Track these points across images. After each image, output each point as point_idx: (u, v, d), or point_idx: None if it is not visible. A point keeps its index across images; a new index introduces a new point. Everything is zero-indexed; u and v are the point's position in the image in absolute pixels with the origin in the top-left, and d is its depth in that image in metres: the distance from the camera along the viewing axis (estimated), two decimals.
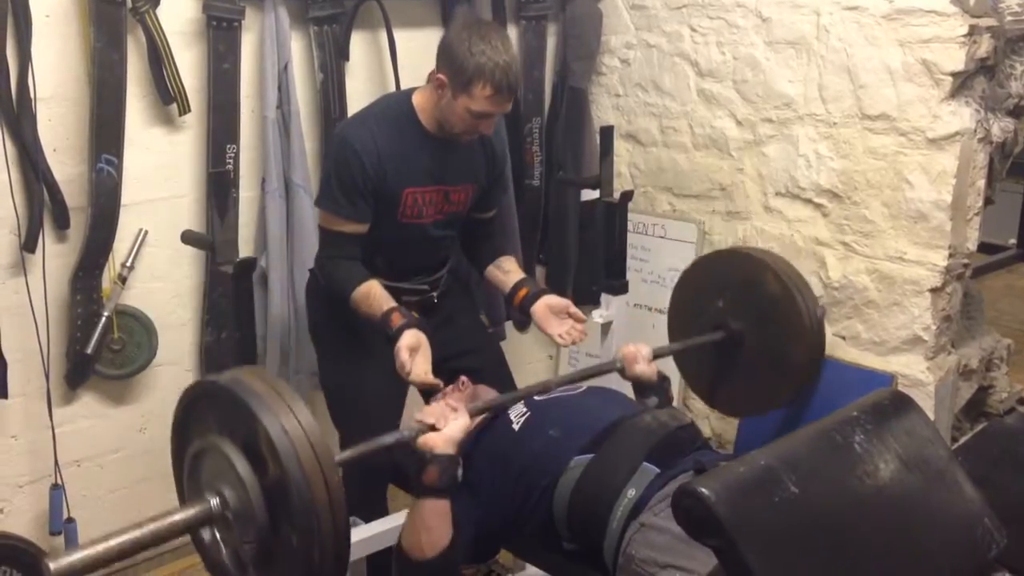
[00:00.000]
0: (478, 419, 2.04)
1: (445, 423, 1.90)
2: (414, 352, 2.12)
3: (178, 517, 1.57)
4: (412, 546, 1.87)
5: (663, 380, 2.29)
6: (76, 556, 1.45)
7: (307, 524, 1.48)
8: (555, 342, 2.40)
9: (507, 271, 2.48)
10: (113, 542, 1.49)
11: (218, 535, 1.61)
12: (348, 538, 1.56)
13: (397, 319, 2.16)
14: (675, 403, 3.28)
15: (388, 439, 1.88)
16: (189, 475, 1.65)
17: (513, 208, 3.21)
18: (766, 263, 2.54)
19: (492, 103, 2.17)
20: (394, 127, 2.27)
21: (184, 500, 1.66)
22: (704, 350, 2.61)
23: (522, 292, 2.42)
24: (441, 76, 2.18)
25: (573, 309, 2.37)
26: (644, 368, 2.25)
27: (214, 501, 1.57)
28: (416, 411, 1.99)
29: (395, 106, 2.32)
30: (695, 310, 2.64)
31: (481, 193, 2.44)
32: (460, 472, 1.87)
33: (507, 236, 3.09)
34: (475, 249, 2.55)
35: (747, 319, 2.53)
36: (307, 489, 1.48)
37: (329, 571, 1.52)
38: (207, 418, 1.62)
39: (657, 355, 2.33)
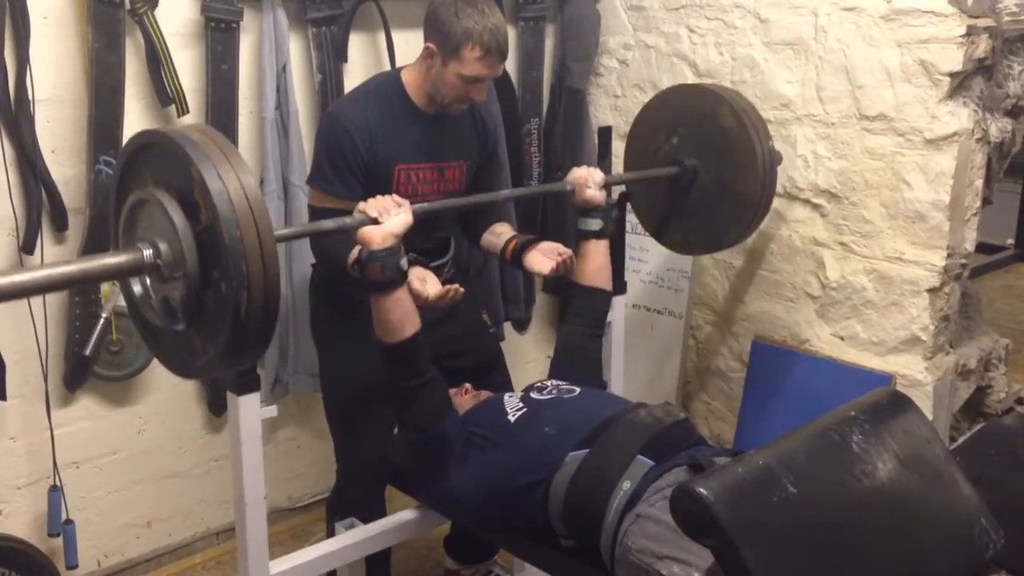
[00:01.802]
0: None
1: (387, 217, 1.95)
2: (423, 282, 2.12)
3: (110, 260, 1.58)
4: (378, 335, 1.99)
5: (611, 206, 2.36)
6: (5, 279, 1.46)
7: (236, 269, 1.49)
8: (544, 277, 2.37)
9: (499, 234, 2.47)
10: (41, 272, 1.50)
11: (149, 285, 1.63)
12: (277, 288, 1.57)
13: None
14: (672, 404, 3.29)
15: (328, 224, 1.97)
16: (125, 229, 1.66)
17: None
18: (722, 96, 2.54)
19: (483, 65, 2.18)
20: (384, 104, 2.27)
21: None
22: (657, 186, 2.64)
23: (512, 244, 2.40)
24: (430, 45, 2.20)
25: (563, 248, 2.35)
26: (595, 193, 2.33)
27: (147, 251, 1.58)
28: (359, 204, 2.02)
29: (384, 84, 2.33)
30: (652, 145, 2.66)
31: (475, 170, 2.44)
32: (404, 262, 1.95)
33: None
34: (471, 226, 2.53)
35: (701, 155, 2.56)
36: (237, 232, 1.49)
37: (257, 319, 1.54)
38: (144, 170, 1.63)
39: (609, 183, 2.39)
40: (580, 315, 2.37)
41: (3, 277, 1.45)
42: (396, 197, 2.01)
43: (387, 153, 2.26)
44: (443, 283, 2.43)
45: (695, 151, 2.56)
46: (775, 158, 2.52)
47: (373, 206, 1.97)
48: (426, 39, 2.22)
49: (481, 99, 2.30)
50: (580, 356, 2.33)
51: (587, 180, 2.32)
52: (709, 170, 2.55)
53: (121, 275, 1.63)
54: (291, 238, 1.87)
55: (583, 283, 2.37)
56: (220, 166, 1.51)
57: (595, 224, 2.34)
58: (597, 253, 2.37)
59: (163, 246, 1.57)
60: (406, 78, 2.30)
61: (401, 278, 1.96)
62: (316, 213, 2.32)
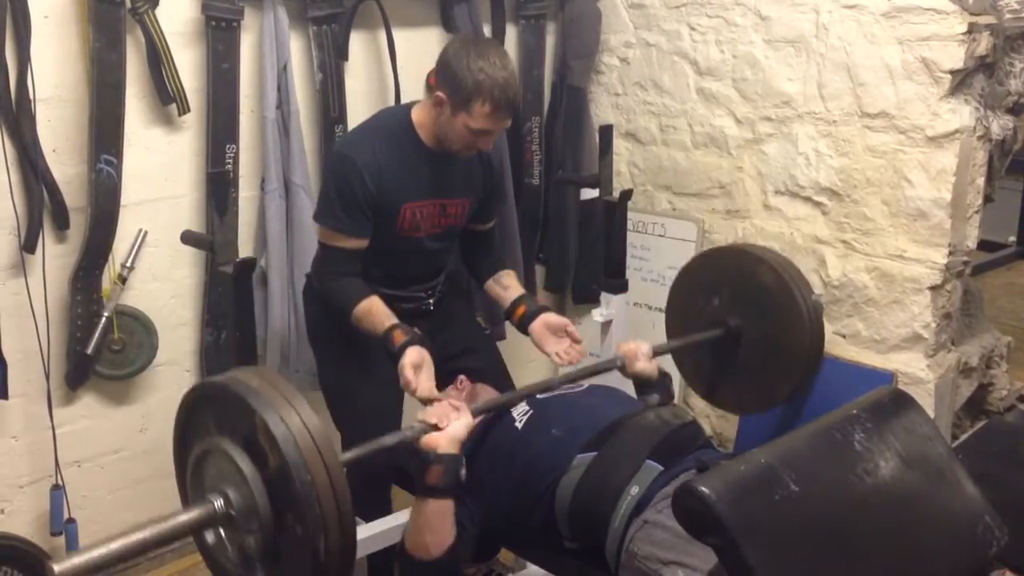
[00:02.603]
0: (480, 418, 2.03)
1: (448, 423, 1.89)
2: (418, 369, 2.11)
3: (182, 518, 1.57)
4: (417, 547, 1.86)
5: (664, 376, 2.30)
6: (80, 559, 1.45)
7: (311, 512, 1.47)
8: (552, 361, 2.38)
9: (506, 287, 2.47)
10: (116, 545, 1.48)
11: (224, 535, 1.61)
12: (354, 528, 1.55)
13: (399, 337, 2.16)
14: (676, 401, 3.29)
15: (390, 440, 1.88)
16: (192, 479, 1.65)
17: (513, 212, 3.21)
18: (759, 256, 2.55)
19: (491, 120, 2.16)
20: (393, 143, 2.26)
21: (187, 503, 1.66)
22: (703, 347, 2.62)
23: (520, 310, 2.41)
24: (440, 94, 2.18)
25: (571, 328, 2.36)
26: (645, 365, 2.27)
27: (218, 502, 1.57)
28: (418, 413, 1.98)
29: (393, 121, 2.32)
30: (692, 309, 2.65)
31: (478, 205, 2.43)
32: (464, 472, 1.87)
33: (506, 241, 3.08)
34: (475, 263, 2.55)
35: (744, 314, 2.54)
36: (308, 476, 1.47)
37: (336, 563, 1.51)
38: (207, 420, 1.62)
39: (657, 352, 2.34)
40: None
41: (84, 555, 1.44)
42: (453, 401, 1.99)
43: (395, 192, 2.25)
44: (436, 299, 2.44)
45: (738, 311, 2.55)
46: (820, 311, 2.52)
47: (433, 415, 1.93)
48: (436, 87, 2.20)
49: (488, 148, 2.28)
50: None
51: (636, 354, 2.28)
52: (754, 329, 2.53)
53: (195, 531, 1.61)
54: (355, 461, 1.85)
55: None
56: (282, 410, 1.50)
57: (654, 400, 2.26)
58: None
59: (233, 494, 1.55)
60: (416, 116, 2.29)
61: (458, 487, 1.88)
62: (327, 251, 2.31)
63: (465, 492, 1.96)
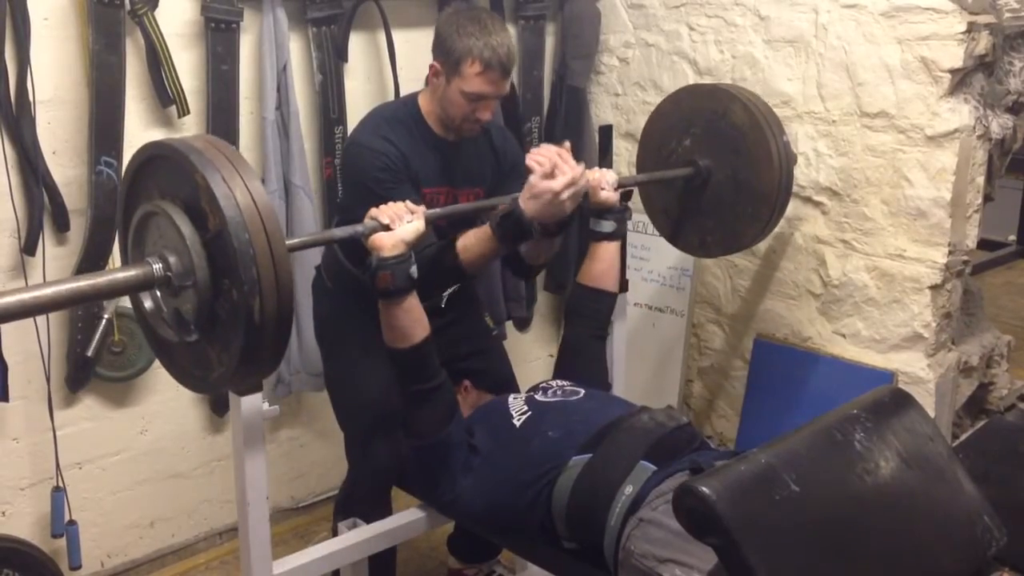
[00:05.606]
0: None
1: (400, 223, 1.92)
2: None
3: (119, 275, 1.57)
4: (387, 339, 1.98)
5: (625, 208, 2.34)
6: (12, 297, 1.45)
7: (247, 274, 1.48)
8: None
9: None
10: (50, 289, 1.49)
11: (160, 299, 1.62)
12: (291, 293, 1.55)
13: None
14: (674, 404, 3.29)
15: (340, 232, 1.93)
16: (134, 244, 1.65)
17: None
18: (734, 94, 2.53)
19: (484, 81, 2.14)
20: (404, 130, 2.25)
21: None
22: (671, 189, 2.61)
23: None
24: (435, 64, 2.19)
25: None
26: (608, 194, 2.30)
27: (156, 264, 1.57)
28: (371, 210, 1.98)
29: (403, 109, 2.31)
30: (665, 148, 2.64)
31: (490, 193, 2.42)
32: (414, 270, 1.91)
33: None
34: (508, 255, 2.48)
35: (715, 154, 2.53)
36: (246, 236, 1.48)
37: (271, 326, 1.52)
38: (150, 184, 1.62)
39: (624, 185, 2.36)
40: (583, 316, 2.34)
41: (9, 296, 1.44)
42: (410, 204, 1.98)
43: (414, 174, 2.23)
44: (449, 296, 2.42)
45: (709, 151, 2.53)
46: (791, 153, 2.51)
47: (385, 212, 1.93)
48: (433, 58, 2.21)
49: (487, 118, 2.25)
50: (584, 359, 2.31)
51: (600, 181, 2.27)
52: (724, 169, 2.52)
53: (131, 290, 1.61)
54: (301, 247, 1.87)
55: (588, 284, 2.34)
56: (225, 172, 1.50)
57: (608, 226, 2.30)
58: (607, 254, 2.33)
59: (172, 258, 1.56)
60: (422, 104, 2.28)
61: (411, 286, 1.92)
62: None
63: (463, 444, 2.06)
